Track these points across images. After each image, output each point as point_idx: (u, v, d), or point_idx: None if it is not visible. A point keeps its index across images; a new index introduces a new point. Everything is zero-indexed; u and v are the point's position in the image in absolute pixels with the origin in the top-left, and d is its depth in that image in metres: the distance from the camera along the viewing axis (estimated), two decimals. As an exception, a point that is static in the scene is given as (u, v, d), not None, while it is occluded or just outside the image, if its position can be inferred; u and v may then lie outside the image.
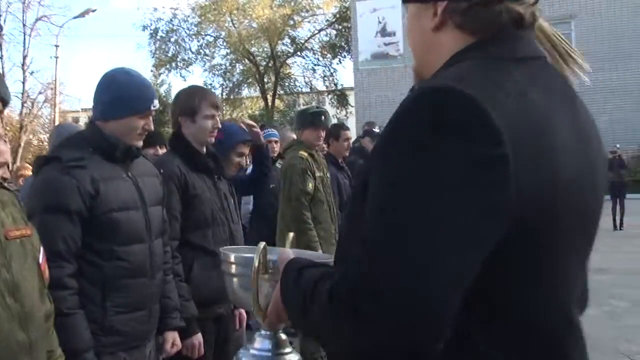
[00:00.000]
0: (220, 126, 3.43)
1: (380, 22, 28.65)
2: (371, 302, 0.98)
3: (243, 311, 3.60)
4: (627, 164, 18.04)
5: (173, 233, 3.09)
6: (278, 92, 37.71)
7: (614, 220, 14.85)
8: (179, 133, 3.36)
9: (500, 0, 1.20)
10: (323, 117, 5.48)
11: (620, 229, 14.65)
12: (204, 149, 3.39)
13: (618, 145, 16.24)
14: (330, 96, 36.27)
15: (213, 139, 3.41)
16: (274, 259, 1.32)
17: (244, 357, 1.40)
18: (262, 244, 1.34)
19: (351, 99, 32.94)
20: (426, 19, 1.27)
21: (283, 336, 1.42)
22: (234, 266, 1.44)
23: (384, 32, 28.71)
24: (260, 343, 1.41)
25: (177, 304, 2.95)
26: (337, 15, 34.92)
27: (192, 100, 3.33)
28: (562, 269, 1.15)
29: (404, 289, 0.96)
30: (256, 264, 1.32)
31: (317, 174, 5.39)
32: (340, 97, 35.55)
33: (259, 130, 4.57)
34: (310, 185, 5.29)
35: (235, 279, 1.43)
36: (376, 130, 7.66)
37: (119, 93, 2.69)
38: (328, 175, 5.62)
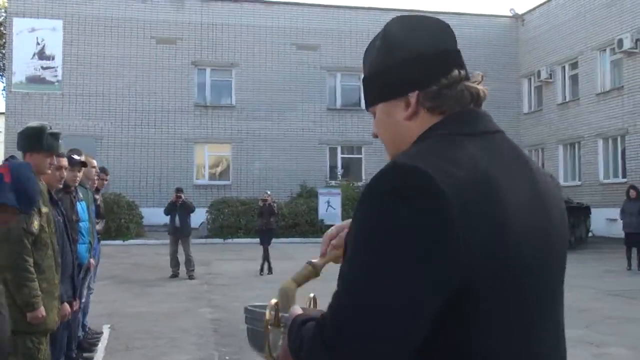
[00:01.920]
0: None
1: (39, 44, 26.35)
2: (334, 337, 1.20)
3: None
4: (278, 210, 18.44)
5: None
6: None
7: (262, 266, 14.82)
8: None
9: (460, 80, 1.41)
10: (60, 141, 4.42)
11: (270, 273, 14.69)
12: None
13: (269, 192, 16.63)
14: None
15: None
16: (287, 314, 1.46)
17: None
18: (273, 300, 1.53)
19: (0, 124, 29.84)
20: (399, 111, 1.43)
21: None
22: (251, 320, 1.65)
23: (42, 55, 26.44)
24: None
25: None
26: (-11, 30, 31.54)
27: None
28: (525, 317, 1.30)
29: (357, 337, 1.18)
30: (267, 317, 1.51)
31: (43, 209, 4.28)
32: (-14, 121, 31.88)
33: None
34: (36, 224, 4.17)
35: (252, 331, 1.64)
36: (77, 157, 6.47)
37: None
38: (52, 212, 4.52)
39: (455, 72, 1.41)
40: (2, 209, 2.85)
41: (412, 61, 1.41)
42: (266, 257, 14.81)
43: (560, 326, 1.42)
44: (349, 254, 1.26)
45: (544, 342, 1.33)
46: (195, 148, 27.93)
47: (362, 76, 1.55)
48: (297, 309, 1.45)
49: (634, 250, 15.26)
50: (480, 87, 1.43)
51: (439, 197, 1.19)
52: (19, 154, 4.44)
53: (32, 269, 4.13)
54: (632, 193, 15.74)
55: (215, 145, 28.23)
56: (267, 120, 28.19)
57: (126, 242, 21.66)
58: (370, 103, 1.50)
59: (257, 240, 15.76)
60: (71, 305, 5.11)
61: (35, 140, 4.30)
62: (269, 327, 1.51)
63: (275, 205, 16.15)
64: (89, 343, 7.64)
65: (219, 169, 28.67)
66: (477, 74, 1.47)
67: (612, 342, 8.03)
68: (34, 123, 4.44)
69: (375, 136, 1.54)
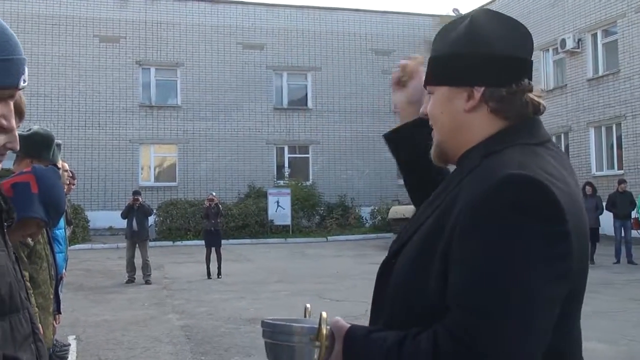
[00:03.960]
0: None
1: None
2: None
3: None
4: (224, 211, 18.24)
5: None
6: None
7: (209, 268, 14.50)
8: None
9: (527, 91, 1.44)
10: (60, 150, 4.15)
11: (219, 276, 14.47)
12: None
13: (214, 193, 16.48)
14: None
15: None
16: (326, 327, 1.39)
17: None
18: (324, 313, 1.39)
19: None
20: (460, 101, 1.46)
21: None
22: (272, 334, 1.46)
23: (-22, 54, 25.40)
24: None
25: None
26: None
27: None
28: (579, 311, 1.45)
29: (507, 352, 1.23)
30: (324, 332, 1.38)
31: (37, 219, 4.00)
32: None
33: None
34: (32, 235, 3.89)
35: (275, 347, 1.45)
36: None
37: None
38: (43, 221, 4.23)
39: (525, 81, 1.44)
40: (29, 224, 2.54)
41: (490, 57, 1.43)
42: (218, 260, 14.55)
43: None
44: (476, 272, 1.26)
45: (579, 331, 1.48)
46: (141, 149, 27.32)
47: (432, 53, 1.54)
48: (342, 321, 1.42)
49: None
50: (542, 101, 1.47)
51: (561, 209, 1.27)
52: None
53: (28, 284, 3.87)
54: (588, 189, 16.06)
55: (161, 146, 27.70)
56: (214, 120, 27.81)
57: (73, 248, 20.98)
58: (435, 82, 1.51)
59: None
60: (56, 320, 4.85)
61: (44, 148, 3.96)
62: (302, 342, 1.41)
63: (220, 206, 15.91)
64: (59, 356, 7.28)
65: (164, 170, 28.15)
66: (540, 88, 1.50)
67: (585, 337, 8.09)
68: (39, 129, 4.05)
69: (425, 115, 1.56)
